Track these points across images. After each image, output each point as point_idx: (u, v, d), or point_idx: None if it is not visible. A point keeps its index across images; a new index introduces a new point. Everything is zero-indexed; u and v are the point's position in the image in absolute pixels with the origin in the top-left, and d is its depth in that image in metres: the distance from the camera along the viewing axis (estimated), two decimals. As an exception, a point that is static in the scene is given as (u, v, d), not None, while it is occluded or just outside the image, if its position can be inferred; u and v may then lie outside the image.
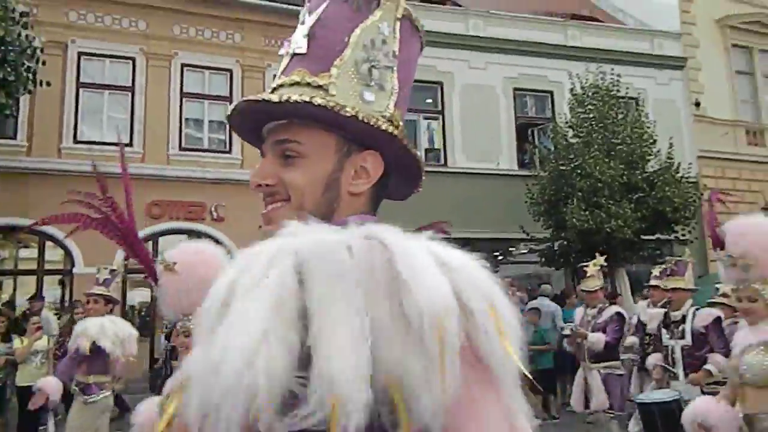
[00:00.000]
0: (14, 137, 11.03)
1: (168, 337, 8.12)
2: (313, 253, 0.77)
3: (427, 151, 13.81)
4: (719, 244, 3.33)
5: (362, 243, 0.78)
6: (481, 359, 0.74)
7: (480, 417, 0.72)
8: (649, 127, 11.97)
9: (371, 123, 0.90)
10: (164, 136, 11.91)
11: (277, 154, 0.93)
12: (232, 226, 11.08)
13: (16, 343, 7.36)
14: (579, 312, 6.56)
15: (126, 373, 5.71)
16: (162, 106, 11.97)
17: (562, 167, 11.54)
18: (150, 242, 11.35)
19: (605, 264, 6.65)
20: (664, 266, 6.18)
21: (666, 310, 5.53)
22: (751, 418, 3.07)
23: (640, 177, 11.20)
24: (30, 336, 7.19)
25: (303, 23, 0.97)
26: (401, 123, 0.97)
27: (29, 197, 9.89)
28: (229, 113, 0.97)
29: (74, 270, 10.85)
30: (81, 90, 11.64)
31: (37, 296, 9.99)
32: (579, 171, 11.12)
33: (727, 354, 4.15)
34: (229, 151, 12.30)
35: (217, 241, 6.78)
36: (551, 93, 14.70)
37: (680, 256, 5.85)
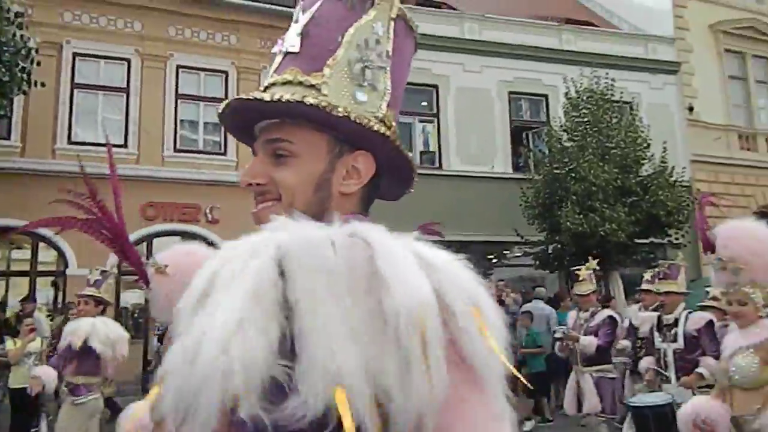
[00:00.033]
0: (8, 138, 10.98)
1: (161, 340, 8.10)
2: (296, 246, 0.76)
3: (422, 153, 13.82)
4: (710, 247, 3.35)
5: (346, 240, 0.77)
6: (465, 360, 0.73)
7: (467, 417, 0.72)
8: (643, 132, 12.02)
9: (363, 123, 0.89)
10: (159, 138, 11.87)
11: (269, 153, 0.93)
12: (227, 228, 11.04)
13: (9, 344, 7.31)
14: (572, 315, 6.58)
15: (117, 376, 5.68)
16: (157, 107, 11.94)
17: (556, 171, 11.57)
18: (144, 244, 11.33)
19: (598, 268, 6.66)
20: (656, 270, 6.20)
21: (659, 313, 5.55)
22: (739, 420, 3.09)
23: (634, 181, 11.24)
24: (23, 338, 7.15)
25: (297, 21, 0.97)
26: (394, 124, 0.96)
27: (23, 198, 9.83)
28: (221, 111, 0.97)
29: (67, 271, 10.81)
30: (76, 91, 11.59)
31: (30, 298, 9.94)
32: (573, 174, 11.15)
33: (718, 357, 4.17)
34: (224, 153, 12.28)
35: (211, 243, 6.77)
36: (546, 97, 14.74)
37: (673, 260, 5.88)
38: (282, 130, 0.92)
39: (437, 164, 13.74)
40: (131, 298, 11.56)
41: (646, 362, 5.54)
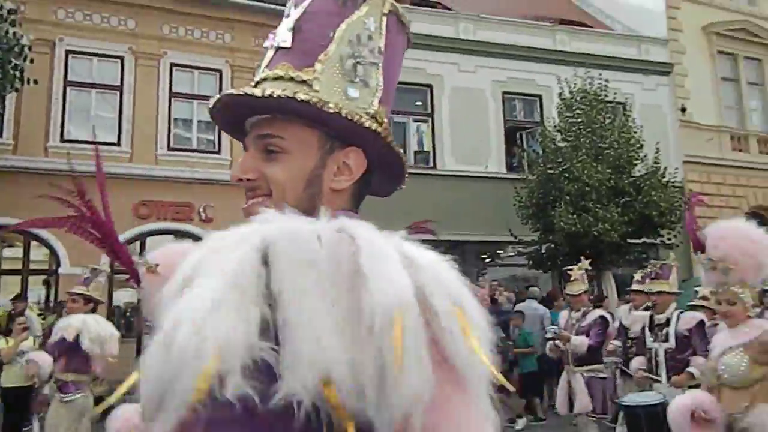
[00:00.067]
0: (0, 135, 10.92)
1: (154, 338, 8.05)
2: (282, 237, 0.75)
3: (416, 153, 13.82)
4: (700, 247, 3.36)
5: (333, 235, 0.76)
6: (447, 360, 0.71)
7: (452, 417, 0.71)
8: (636, 132, 12.07)
9: (354, 120, 0.89)
10: (152, 136, 11.83)
11: (260, 149, 0.92)
12: (221, 226, 10.67)
13: (1, 343, 7.26)
14: (563, 315, 6.60)
15: (108, 375, 5.65)
16: (150, 105, 11.89)
17: (550, 171, 11.60)
18: (137, 242, 11.29)
19: (590, 268, 6.69)
20: (646, 271, 6.24)
21: (651, 313, 5.58)
22: (728, 419, 3.11)
23: (626, 181, 11.29)
24: (16, 336, 7.11)
25: (288, 16, 0.96)
26: (385, 120, 0.96)
27: (15, 196, 9.77)
28: (212, 106, 0.96)
29: (60, 270, 10.75)
30: (69, 88, 11.52)
31: (22, 296, 9.88)
32: (567, 175, 11.19)
33: (708, 356, 4.20)
34: (218, 152, 12.24)
35: (204, 242, 6.72)
36: (540, 97, 14.78)
37: (665, 260, 5.91)
38: (273, 126, 0.91)
39: (431, 164, 13.75)
40: (124, 296, 11.50)
41: (638, 362, 5.57)
